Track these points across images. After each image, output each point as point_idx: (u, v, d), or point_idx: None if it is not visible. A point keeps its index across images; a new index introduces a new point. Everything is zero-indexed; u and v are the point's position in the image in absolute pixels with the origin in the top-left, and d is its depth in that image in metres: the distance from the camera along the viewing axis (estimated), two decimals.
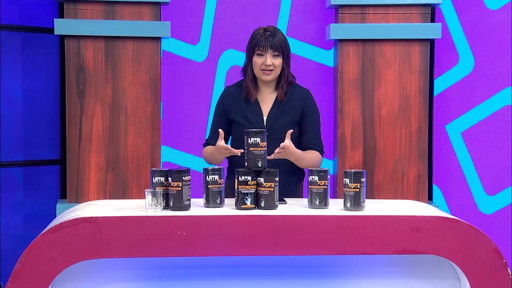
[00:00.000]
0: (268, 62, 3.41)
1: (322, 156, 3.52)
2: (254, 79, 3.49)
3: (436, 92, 4.54)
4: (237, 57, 4.55)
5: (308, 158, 3.44)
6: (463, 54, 4.56)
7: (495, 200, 4.59)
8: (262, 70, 3.43)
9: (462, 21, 4.54)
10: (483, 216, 4.56)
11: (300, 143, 3.49)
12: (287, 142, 3.28)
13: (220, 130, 3.30)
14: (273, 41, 3.41)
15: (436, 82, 4.53)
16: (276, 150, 3.27)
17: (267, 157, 3.11)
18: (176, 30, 4.49)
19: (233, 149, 3.27)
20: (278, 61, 3.43)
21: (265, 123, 3.48)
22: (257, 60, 3.43)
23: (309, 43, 4.56)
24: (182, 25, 4.51)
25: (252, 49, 3.45)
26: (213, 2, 4.54)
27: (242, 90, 3.52)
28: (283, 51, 3.43)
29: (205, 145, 3.55)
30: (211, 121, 3.59)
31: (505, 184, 4.59)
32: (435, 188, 4.60)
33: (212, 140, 3.50)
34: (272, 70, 3.43)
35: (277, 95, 3.51)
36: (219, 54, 4.56)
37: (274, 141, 3.37)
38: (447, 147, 4.60)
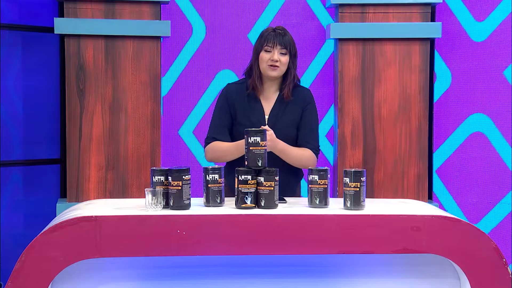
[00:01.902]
0: (275, 57, 3.41)
1: (317, 155, 3.49)
2: (260, 77, 3.48)
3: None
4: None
5: (296, 153, 3.42)
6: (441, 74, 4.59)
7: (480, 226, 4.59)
8: (269, 65, 3.43)
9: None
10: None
11: (296, 141, 3.49)
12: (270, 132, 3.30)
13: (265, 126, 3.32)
14: (282, 39, 3.42)
15: None
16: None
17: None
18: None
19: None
20: (285, 59, 3.43)
21: (266, 122, 3.48)
22: (264, 56, 3.43)
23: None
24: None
25: (260, 45, 3.45)
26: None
27: (244, 88, 3.51)
28: (291, 49, 3.44)
29: (209, 141, 3.48)
30: (213, 118, 3.53)
31: (486, 210, 4.59)
32: (450, 196, 4.60)
33: (219, 135, 3.45)
34: (278, 66, 3.43)
35: (279, 95, 3.51)
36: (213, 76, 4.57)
37: None
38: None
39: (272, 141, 3.31)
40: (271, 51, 3.42)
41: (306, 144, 3.47)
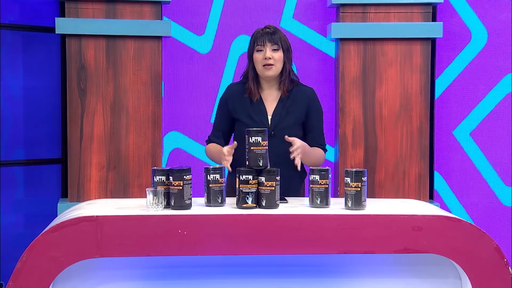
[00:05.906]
0: (268, 55, 3.41)
1: (325, 153, 3.53)
2: (257, 78, 3.49)
3: (437, 92, 4.54)
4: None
5: (314, 153, 3.44)
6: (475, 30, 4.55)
7: None
8: (263, 66, 3.43)
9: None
10: (507, 209, 4.58)
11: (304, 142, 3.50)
12: (294, 139, 3.29)
13: (235, 142, 3.30)
14: (271, 36, 3.43)
15: (437, 81, 4.53)
16: (293, 150, 3.26)
17: (296, 162, 3.21)
18: (183, 18, 4.51)
19: (228, 164, 3.25)
20: (278, 55, 3.43)
21: (269, 122, 3.48)
22: (257, 56, 3.44)
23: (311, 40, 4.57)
24: (188, 14, 4.51)
25: (252, 47, 3.46)
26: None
27: (246, 89, 3.51)
28: (282, 45, 3.44)
29: (207, 141, 3.56)
30: (214, 118, 3.58)
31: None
32: (451, 196, 4.60)
33: (215, 138, 3.50)
34: (273, 64, 3.43)
35: (281, 94, 3.51)
36: (230, 42, 4.54)
37: (278, 141, 3.37)
38: (458, 151, 4.58)
39: (304, 152, 3.31)
40: (262, 50, 3.43)
41: (318, 145, 3.50)
